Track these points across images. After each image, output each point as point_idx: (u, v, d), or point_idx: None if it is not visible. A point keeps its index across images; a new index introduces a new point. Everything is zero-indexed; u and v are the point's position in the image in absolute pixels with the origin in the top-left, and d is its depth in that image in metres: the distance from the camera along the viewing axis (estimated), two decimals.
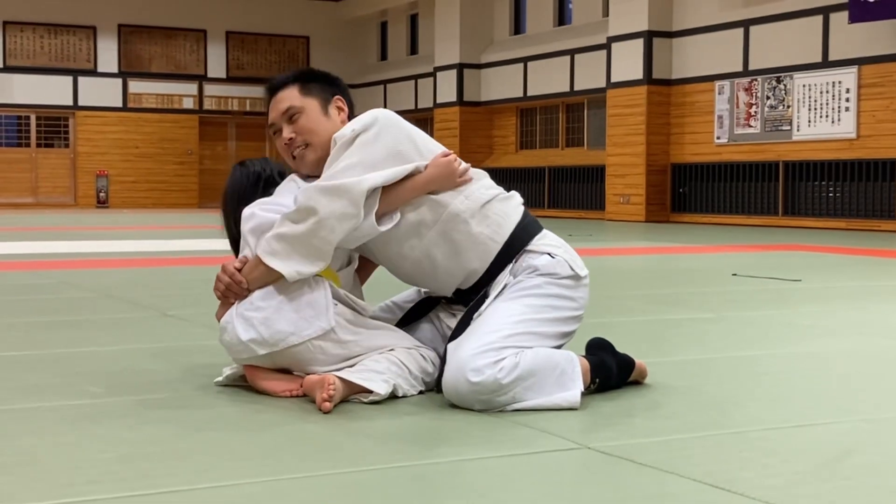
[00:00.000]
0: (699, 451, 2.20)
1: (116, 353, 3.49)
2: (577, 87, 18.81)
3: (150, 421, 2.46)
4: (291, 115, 2.84)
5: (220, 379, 2.86)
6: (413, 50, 24.05)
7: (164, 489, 1.90)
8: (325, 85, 2.90)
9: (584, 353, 2.79)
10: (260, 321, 2.69)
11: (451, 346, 2.63)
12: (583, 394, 2.61)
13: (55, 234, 11.57)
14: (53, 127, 23.21)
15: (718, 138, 15.95)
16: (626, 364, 2.83)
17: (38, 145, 23.15)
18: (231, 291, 2.74)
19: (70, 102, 23.13)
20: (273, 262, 2.67)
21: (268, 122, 2.92)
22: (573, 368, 2.61)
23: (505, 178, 19.19)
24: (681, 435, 2.34)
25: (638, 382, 2.89)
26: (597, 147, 18.57)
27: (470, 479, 2.01)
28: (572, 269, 2.77)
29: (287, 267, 2.66)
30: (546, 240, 2.83)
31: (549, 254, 2.77)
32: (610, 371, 2.76)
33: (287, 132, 2.84)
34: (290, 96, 2.85)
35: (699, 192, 16.32)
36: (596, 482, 2.01)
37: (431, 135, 23.45)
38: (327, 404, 2.51)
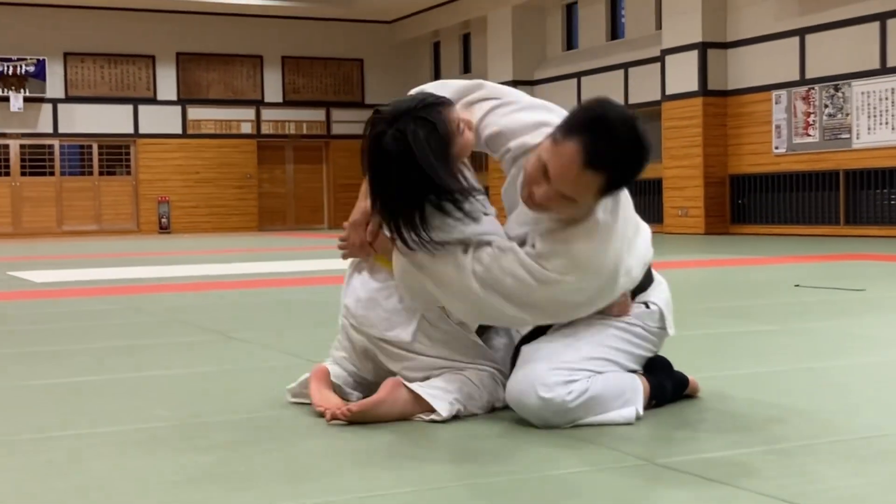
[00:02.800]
0: (767, 465, 2.18)
1: (183, 376, 3.54)
2: (631, 101, 18.73)
3: (216, 444, 2.49)
4: None
5: (293, 386, 2.90)
6: (466, 69, 24.12)
7: None
8: None
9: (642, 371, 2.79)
10: (357, 301, 2.79)
11: (525, 349, 2.63)
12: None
13: (120, 261, 11.76)
14: (115, 155, 23.60)
15: (777, 148, 15.79)
16: (681, 383, 2.85)
17: (101, 173, 23.54)
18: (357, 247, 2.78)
19: (131, 130, 23.51)
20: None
21: None
22: (636, 396, 2.63)
23: None
24: (748, 449, 2.32)
25: (690, 397, 2.89)
26: (653, 160, 18.33)
27: (535, 496, 2.01)
28: (662, 324, 2.76)
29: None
30: (651, 292, 2.77)
31: (645, 303, 2.74)
32: (666, 392, 2.78)
33: None
34: None
35: (759, 203, 16.15)
36: (665, 499, 1.99)
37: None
38: (330, 415, 2.58)
